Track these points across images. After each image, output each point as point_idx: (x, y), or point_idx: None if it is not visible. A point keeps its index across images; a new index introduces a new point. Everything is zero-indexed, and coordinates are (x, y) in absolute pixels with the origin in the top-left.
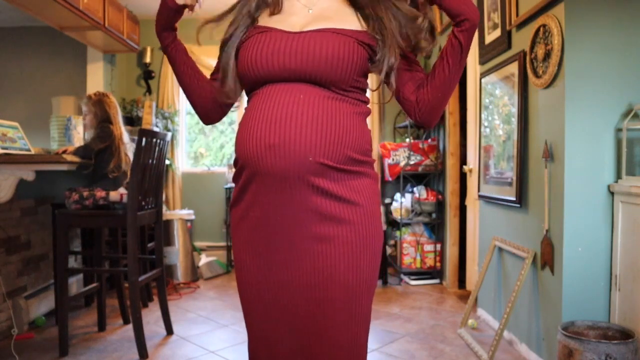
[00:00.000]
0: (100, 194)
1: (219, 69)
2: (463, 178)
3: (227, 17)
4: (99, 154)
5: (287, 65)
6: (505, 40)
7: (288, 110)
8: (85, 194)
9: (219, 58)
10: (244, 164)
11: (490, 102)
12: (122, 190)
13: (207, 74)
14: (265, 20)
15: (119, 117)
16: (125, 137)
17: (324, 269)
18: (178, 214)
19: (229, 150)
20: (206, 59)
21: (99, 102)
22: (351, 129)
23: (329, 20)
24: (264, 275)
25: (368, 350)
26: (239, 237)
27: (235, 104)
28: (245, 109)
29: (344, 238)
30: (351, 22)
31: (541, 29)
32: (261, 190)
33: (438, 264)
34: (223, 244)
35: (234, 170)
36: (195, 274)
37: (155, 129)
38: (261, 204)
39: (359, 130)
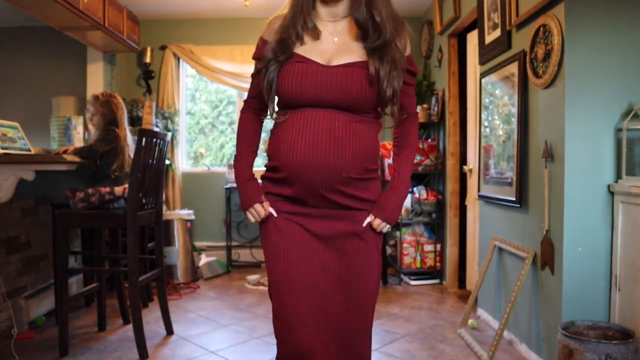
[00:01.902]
0: (104, 189)
1: (259, 90)
2: (463, 178)
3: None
4: (103, 155)
5: (324, 97)
6: (505, 40)
7: (326, 137)
8: (90, 190)
9: (258, 76)
10: (288, 176)
11: (490, 102)
12: (125, 185)
13: (207, 73)
14: (300, 48)
15: (124, 118)
16: (129, 138)
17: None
18: (178, 214)
19: (229, 151)
20: (207, 59)
21: (107, 103)
22: (370, 146)
23: (350, 53)
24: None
25: None
26: (277, 205)
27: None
28: (282, 121)
29: (360, 221)
30: (362, 54)
31: (541, 29)
32: (301, 193)
33: (438, 264)
34: (223, 244)
35: (265, 169)
36: (195, 274)
37: (155, 129)
38: (301, 201)
39: (374, 145)
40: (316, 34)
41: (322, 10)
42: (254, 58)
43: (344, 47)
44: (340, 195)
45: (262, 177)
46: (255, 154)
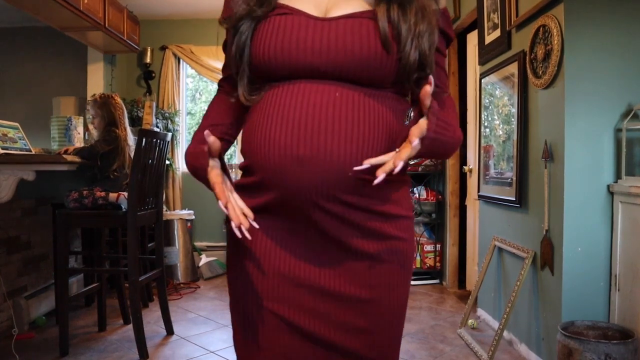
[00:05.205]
0: (99, 193)
1: (232, 61)
2: (463, 178)
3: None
4: (103, 155)
5: (315, 65)
6: (505, 40)
7: (321, 114)
8: (85, 192)
9: (230, 43)
10: (262, 178)
11: (490, 102)
12: (121, 192)
13: (207, 74)
14: None
15: (124, 118)
16: (130, 139)
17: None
18: (178, 214)
19: (229, 151)
20: (207, 59)
21: (105, 105)
22: (394, 131)
23: (357, 1)
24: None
25: None
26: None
27: None
28: (259, 99)
29: (390, 264)
30: (372, 2)
31: (541, 29)
32: (283, 207)
33: (438, 264)
34: (223, 244)
35: (240, 174)
36: (195, 274)
37: (156, 129)
38: (277, 229)
39: (399, 131)
40: None
41: None
42: (221, 20)
43: None
44: (345, 207)
45: (236, 186)
46: (219, 133)
